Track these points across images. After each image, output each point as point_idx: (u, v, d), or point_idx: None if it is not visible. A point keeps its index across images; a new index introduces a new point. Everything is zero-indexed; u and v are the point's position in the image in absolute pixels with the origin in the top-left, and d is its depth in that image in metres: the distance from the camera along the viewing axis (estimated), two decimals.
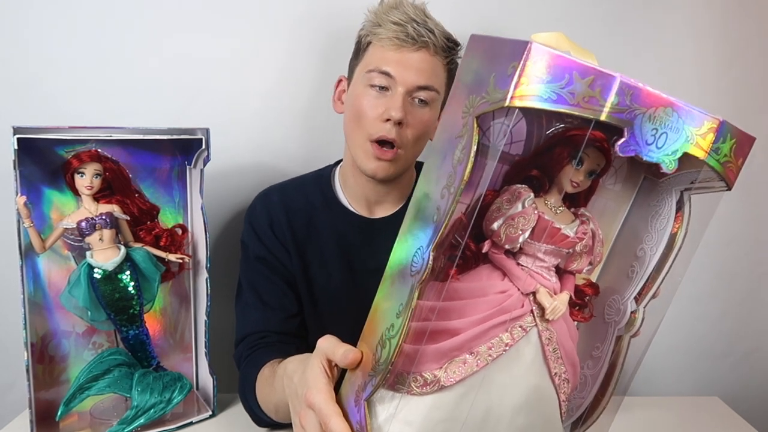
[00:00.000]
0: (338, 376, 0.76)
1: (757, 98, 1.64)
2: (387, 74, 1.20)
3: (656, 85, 0.56)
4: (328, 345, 0.74)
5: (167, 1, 1.43)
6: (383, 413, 0.68)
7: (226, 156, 1.46)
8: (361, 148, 1.25)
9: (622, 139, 0.55)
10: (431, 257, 0.58)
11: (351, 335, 0.74)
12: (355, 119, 1.25)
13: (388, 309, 0.65)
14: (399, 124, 1.20)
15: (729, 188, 0.66)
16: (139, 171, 1.23)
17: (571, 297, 0.76)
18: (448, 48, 1.24)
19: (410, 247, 0.63)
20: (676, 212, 0.74)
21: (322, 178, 1.41)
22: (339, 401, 0.72)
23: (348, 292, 1.35)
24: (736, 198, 1.67)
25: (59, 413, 1.15)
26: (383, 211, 1.38)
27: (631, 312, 0.76)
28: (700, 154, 0.59)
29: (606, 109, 0.54)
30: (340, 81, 1.35)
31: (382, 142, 1.22)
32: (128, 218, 1.19)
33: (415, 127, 1.22)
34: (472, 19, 1.50)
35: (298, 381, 0.82)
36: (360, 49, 1.27)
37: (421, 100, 1.22)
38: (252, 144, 1.53)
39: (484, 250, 0.72)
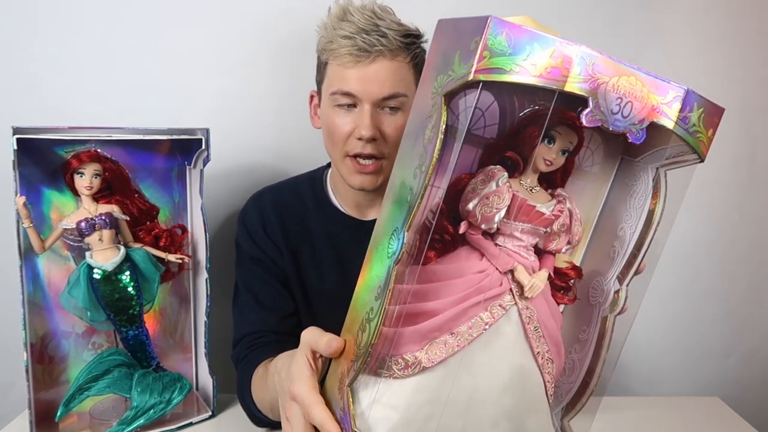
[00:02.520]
0: (324, 369, 0.76)
1: (757, 98, 1.63)
2: (349, 94, 1.18)
3: None
4: (312, 336, 0.75)
5: (168, 1, 1.45)
6: (366, 399, 0.68)
7: (226, 156, 1.47)
8: (342, 164, 1.26)
9: (587, 109, 0.55)
10: (406, 237, 0.59)
11: None
12: (329, 137, 1.25)
13: (368, 294, 0.65)
14: (372, 140, 1.19)
15: (701, 160, 0.65)
16: (139, 171, 1.23)
17: (554, 280, 0.76)
18: (406, 45, 1.20)
19: (387, 230, 0.64)
20: (653, 189, 0.73)
21: (315, 179, 1.41)
22: (324, 393, 0.73)
23: (341, 292, 1.30)
24: (737, 198, 1.67)
25: (59, 414, 1.15)
26: (374, 214, 1.38)
27: (615, 291, 0.76)
28: (669, 124, 0.59)
29: (570, 80, 0.54)
30: (312, 97, 1.35)
31: (360, 155, 1.22)
32: (128, 218, 1.20)
33: (392, 136, 1.21)
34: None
35: (285, 375, 0.82)
36: (320, 66, 1.26)
37: (391, 108, 1.20)
38: (252, 144, 1.54)
39: (461, 231, 0.72)
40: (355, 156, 1.22)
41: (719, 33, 1.59)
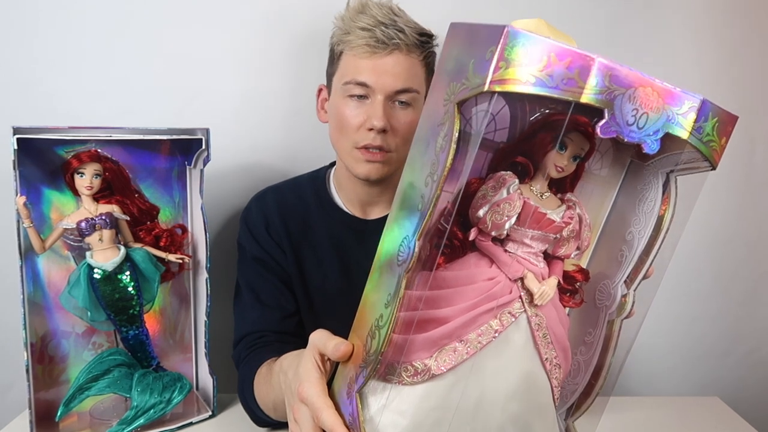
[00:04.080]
0: (332, 370, 0.76)
1: (757, 98, 1.64)
2: (363, 84, 1.19)
3: None
4: (320, 338, 0.75)
5: (167, 1, 1.44)
6: (375, 404, 0.68)
7: (226, 156, 1.47)
8: (350, 155, 1.26)
9: (603, 120, 0.55)
10: (417, 246, 0.58)
11: (347, 335, 0.73)
12: (338, 129, 1.25)
13: (377, 300, 0.65)
14: (383, 131, 1.20)
15: (713, 168, 0.65)
16: (139, 171, 1.23)
17: (561, 283, 0.76)
18: (421, 43, 1.23)
19: (397, 237, 0.63)
20: (663, 194, 0.73)
21: (317, 179, 1.42)
22: (332, 395, 0.73)
23: (343, 292, 1.35)
24: (737, 197, 1.67)
25: (59, 414, 1.15)
26: (377, 212, 1.39)
27: (622, 296, 0.76)
28: (683, 135, 0.59)
29: (586, 91, 0.54)
30: (320, 90, 1.36)
31: (369, 147, 1.22)
32: (128, 218, 1.20)
33: (401, 130, 1.22)
34: (472, 20, 1.50)
35: (293, 376, 0.82)
36: (334, 58, 1.27)
37: (402, 102, 1.21)
38: (252, 144, 1.53)
39: (470, 238, 0.72)
40: (364, 147, 1.22)
41: (717, 33, 1.59)
